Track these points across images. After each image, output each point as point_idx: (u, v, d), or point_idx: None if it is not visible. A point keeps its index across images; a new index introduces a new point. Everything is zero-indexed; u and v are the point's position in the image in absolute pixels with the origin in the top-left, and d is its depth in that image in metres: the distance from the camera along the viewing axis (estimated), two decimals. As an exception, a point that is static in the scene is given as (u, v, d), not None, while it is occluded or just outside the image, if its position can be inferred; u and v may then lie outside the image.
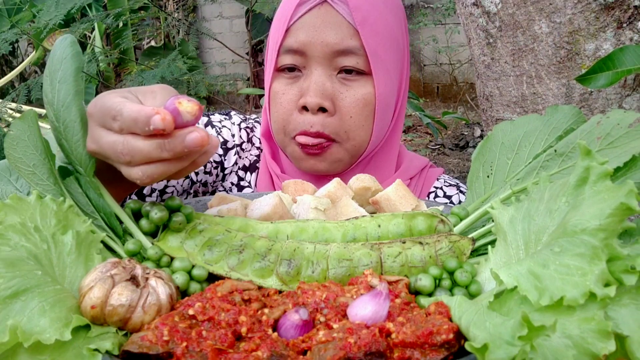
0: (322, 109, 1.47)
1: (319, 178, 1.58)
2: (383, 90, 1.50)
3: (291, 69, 1.51)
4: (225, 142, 1.74)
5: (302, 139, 1.49)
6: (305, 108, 1.48)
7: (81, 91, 0.95)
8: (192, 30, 6.04)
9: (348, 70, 1.47)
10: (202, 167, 1.69)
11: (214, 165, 1.72)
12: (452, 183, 1.77)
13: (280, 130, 1.56)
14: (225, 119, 1.79)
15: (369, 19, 1.46)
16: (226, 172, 1.75)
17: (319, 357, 0.68)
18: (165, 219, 0.94)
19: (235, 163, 1.76)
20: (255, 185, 1.76)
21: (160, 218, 0.94)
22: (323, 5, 1.46)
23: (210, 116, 1.79)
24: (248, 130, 1.81)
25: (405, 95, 1.66)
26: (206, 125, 1.74)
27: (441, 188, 1.74)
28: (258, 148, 1.80)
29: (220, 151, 1.74)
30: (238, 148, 1.77)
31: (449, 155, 7.49)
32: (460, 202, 1.71)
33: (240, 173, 1.76)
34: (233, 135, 1.75)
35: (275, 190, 1.64)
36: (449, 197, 1.72)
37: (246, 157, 1.78)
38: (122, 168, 0.89)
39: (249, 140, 1.80)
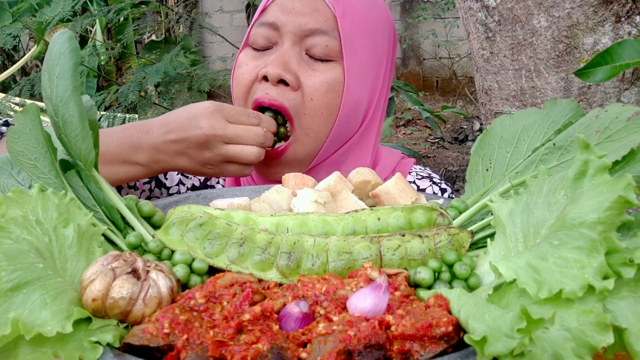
0: (284, 83, 1.42)
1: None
2: (353, 82, 1.46)
3: (263, 47, 1.47)
4: None
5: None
6: (265, 78, 1.43)
7: (79, 86, 0.95)
8: (195, 25, 6.03)
9: (317, 54, 1.43)
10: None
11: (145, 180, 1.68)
12: (424, 175, 1.75)
13: (239, 101, 1.52)
14: None
15: (350, 12, 1.43)
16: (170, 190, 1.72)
17: (318, 350, 0.69)
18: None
19: (181, 183, 1.73)
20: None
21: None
22: None
23: None
24: None
25: (383, 102, 1.62)
26: None
27: (414, 182, 1.72)
28: None
29: None
30: None
31: (448, 148, 7.50)
32: (434, 193, 1.69)
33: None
34: None
35: (240, 185, 1.63)
36: (423, 191, 1.69)
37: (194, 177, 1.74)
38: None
39: None
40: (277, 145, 1.46)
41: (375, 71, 1.54)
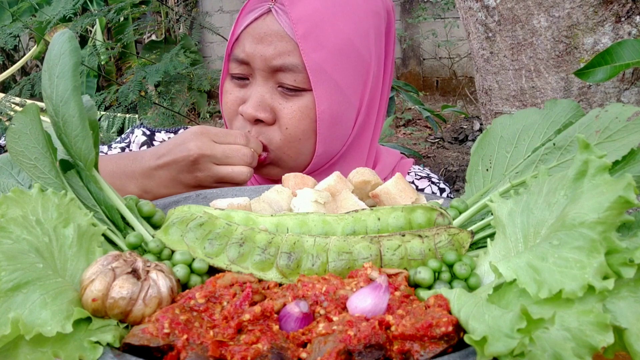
0: (261, 120, 1.47)
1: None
2: (328, 106, 1.46)
3: (240, 77, 1.52)
4: None
5: None
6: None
7: (79, 86, 0.95)
8: (195, 25, 6.04)
9: (288, 87, 1.46)
10: None
11: None
12: (423, 175, 1.76)
13: (229, 125, 1.59)
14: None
15: (314, 32, 1.42)
16: None
17: (318, 350, 0.69)
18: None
19: None
20: None
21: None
22: (268, 15, 1.44)
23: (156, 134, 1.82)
24: None
25: (380, 100, 1.62)
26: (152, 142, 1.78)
27: (412, 182, 1.73)
28: None
29: None
30: None
31: (448, 148, 7.50)
32: (433, 192, 1.70)
33: None
34: None
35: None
36: (421, 191, 1.70)
37: None
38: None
39: None
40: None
41: (362, 78, 1.52)
